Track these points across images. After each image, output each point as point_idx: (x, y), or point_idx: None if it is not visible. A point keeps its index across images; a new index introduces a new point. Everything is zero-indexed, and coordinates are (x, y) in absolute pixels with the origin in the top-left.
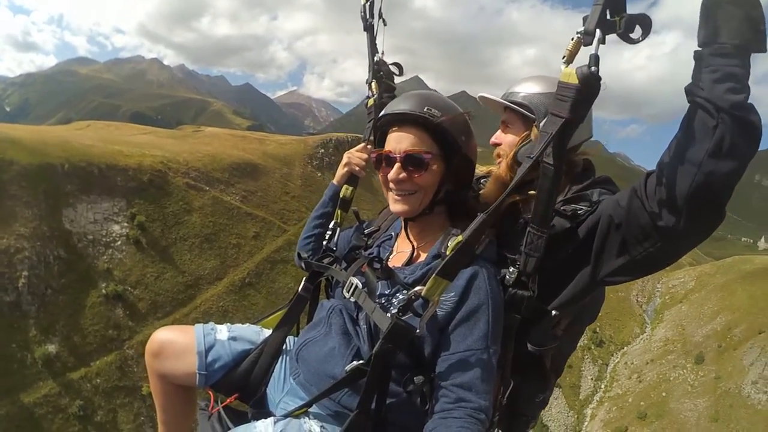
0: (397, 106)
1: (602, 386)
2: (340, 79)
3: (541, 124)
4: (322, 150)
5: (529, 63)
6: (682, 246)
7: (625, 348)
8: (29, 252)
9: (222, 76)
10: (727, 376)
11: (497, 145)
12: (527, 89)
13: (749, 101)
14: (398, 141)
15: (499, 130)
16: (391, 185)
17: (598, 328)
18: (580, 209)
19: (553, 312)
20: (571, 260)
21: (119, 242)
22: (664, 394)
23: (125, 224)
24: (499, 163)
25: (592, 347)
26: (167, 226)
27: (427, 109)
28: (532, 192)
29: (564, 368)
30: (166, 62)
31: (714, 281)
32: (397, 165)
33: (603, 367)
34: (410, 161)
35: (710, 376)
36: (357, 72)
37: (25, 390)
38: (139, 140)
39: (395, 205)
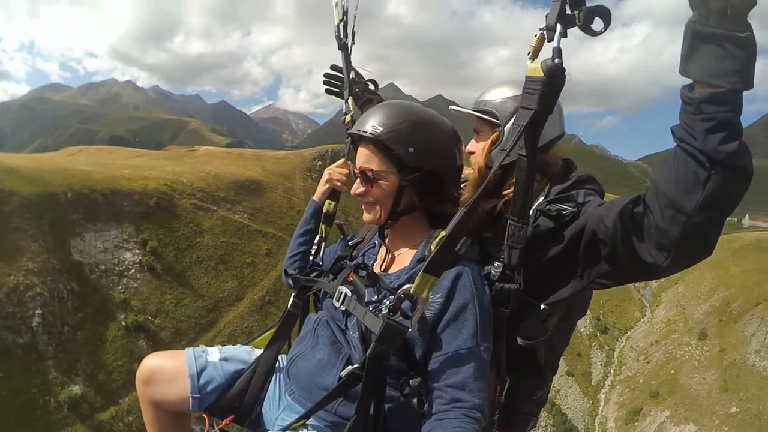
0: (356, 124)
1: (612, 371)
2: (315, 90)
3: (510, 122)
4: (320, 162)
5: (503, 63)
6: (665, 274)
7: (629, 332)
8: (41, 288)
9: (197, 94)
10: (731, 348)
11: (471, 153)
12: (493, 96)
13: (742, 142)
14: (358, 158)
15: (472, 139)
16: (358, 198)
17: (601, 316)
18: (565, 209)
19: (542, 306)
20: (558, 260)
21: (133, 270)
22: (672, 371)
23: (137, 251)
24: (473, 169)
25: (598, 334)
26: (180, 250)
27: (372, 126)
28: (508, 192)
29: (559, 364)
30: (139, 84)
31: (706, 261)
32: (357, 181)
33: (610, 353)
34: (363, 177)
35: (715, 350)
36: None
37: None
38: (135, 163)
39: (364, 215)
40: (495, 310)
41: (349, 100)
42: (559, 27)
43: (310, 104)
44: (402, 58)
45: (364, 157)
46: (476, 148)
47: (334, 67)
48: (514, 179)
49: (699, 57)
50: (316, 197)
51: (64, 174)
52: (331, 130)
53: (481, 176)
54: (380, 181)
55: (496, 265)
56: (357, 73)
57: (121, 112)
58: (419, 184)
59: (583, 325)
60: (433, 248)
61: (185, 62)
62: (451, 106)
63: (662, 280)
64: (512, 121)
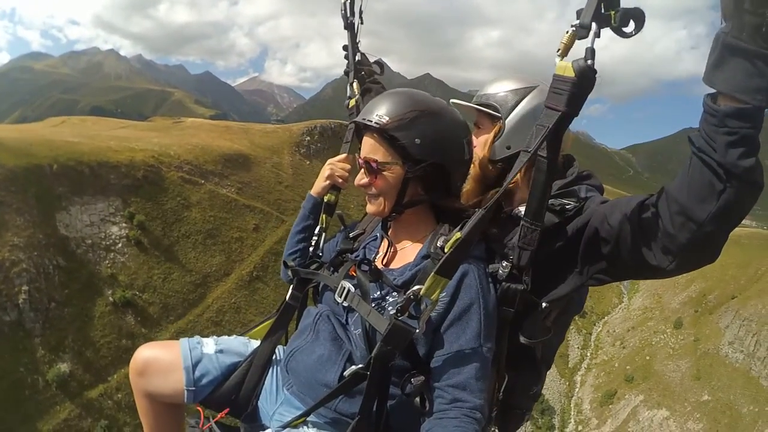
0: (361, 113)
1: (588, 354)
2: (302, 64)
3: (511, 115)
4: (308, 138)
5: (492, 45)
6: (665, 275)
7: (606, 318)
8: (26, 264)
9: (181, 65)
10: (705, 338)
11: (473, 146)
12: (495, 89)
13: (757, 158)
14: (363, 147)
15: (472, 133)
16: (361, 189)
17: None
18: (569, 204)
19: (544, 304)
20: (558, 255)
21: (120, 244)
22: (647, 357)
23: (124, 225)
24: (474, 163)
25: (576, 318)
26: (167, 224)
27: (378, 115)
28: (512, 186)
29: (554, 359)
30: (122, 53)
31: None
32: (361, 171)
33: (587, 337)
34: (367, 168)
35: (689, 339)
36: (320, 56)
37: (41, 417)
38: (120, 134)
39: (367, 207)
40: (499, 309)
41: (354, 84)
42: (594, 26)
43: (297, 78)
44: (391, 34)
45: (368, 146)
46: (477, 142)
47: (345, 48)
48: (518, 174)
49: (727, 69)
50: (314, 192)
51: (49, 145)
52: (317, 105)
53: (482, 170)
54: (385, 172)
55: (504, 264)
56: (362, 55)
57: (103, 82)
58: (425, 177)
59: None
60: (447, 248)
61: (170, 31)
62: (452, 100)
63: None
64: (515, 114)
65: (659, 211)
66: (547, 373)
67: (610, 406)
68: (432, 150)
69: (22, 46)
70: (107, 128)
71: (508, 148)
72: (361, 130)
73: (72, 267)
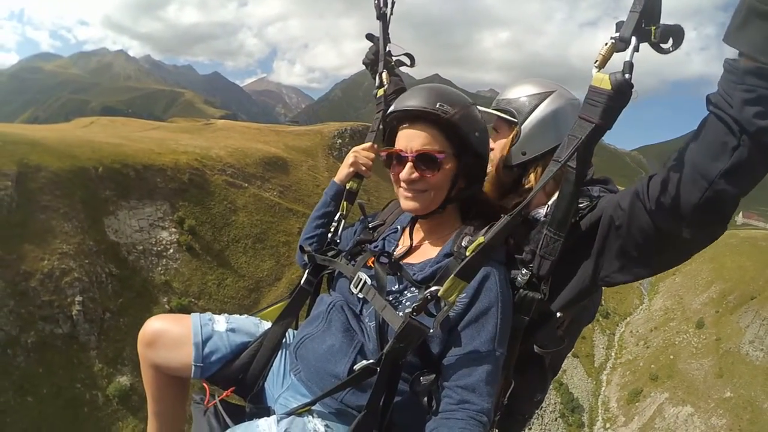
0: (408, 101)
1: (612, 354)
2: (311, 64)
3: (528, 119)
4: (339, 140)
5: (501, 46)
6: (682, 252)
7: (628, 318)
8: (78, 273)
9: (189, 65)
10: (726, 337)
11: (491, 150)
12: (513, 94)
13: None
14: (410, 139)
15: (490, 137)
16: (402, 183)
17: (603, 301)
18: (581, 203)
19: (558, 314)
20: (571, 256)
21: (171, 250)
22: (671, 356)
23: (173, 229)
24: (491, 167)
25: (600, 319)
26: (216, 228)
27: (440, 105)
28: (528, 188)
29: (560, 368)
30: (131, 53)
31: (703, 254)
32: (408, 165)
33: (611, 337)
34: (422, 161)
35: (711, 339)
36: (329, 57)
37: None
38: (155, 136)
39: (406, 203)
40: (515, 316)
41: (384, 74)
42: (634, 40)
43: (305, 78)
44: (400, 34)
45: (422, 138)
46: (495, 146)
47: (369, 37)
48: (532, 177)
49: (751, 32)
50: (337, 179)
51: (91, 147)
52: (325, 105)
53: (498, 174)
54: (445, 166)
55: (523, 272)
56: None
57: (112, 82)
58: (470, 171)
59: None
60: (469, 251)
61: (178, 32)
62: None
63: None
64: (531, 120)
65: (671, 175)
66: (575, 372)
67: (637, 404)
68: (484, 144)
69: (32, 47)
70: (139, 129)
71: (524, 153)
72: (402, 120)
73: (125, 275)
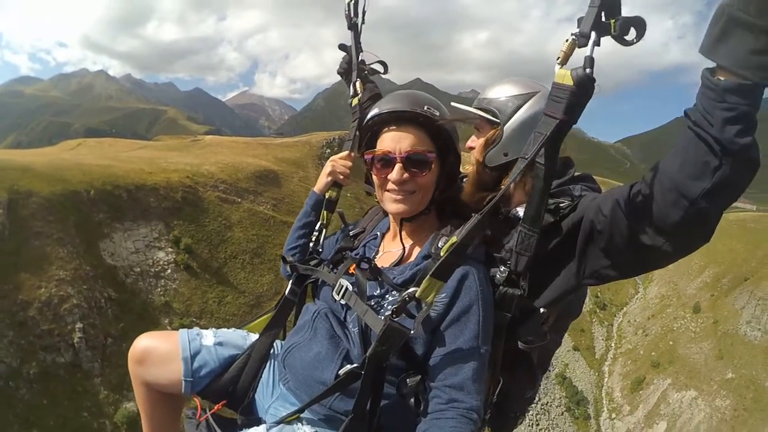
0: (392, 104)
1: (612, 344)
2: (292, 75)
3: (510, 120)
4: (328, 150)
5: (480, 46)
6: (663, 261)
7: (625, 308)
8: (77, 299)
9: (170, 82)
10: (723, 320)
11: (472, 148)
12: (494, 94)
13: (754, 136)
14: (397, 141)
15: (473, 135)
16: (391, 186)
17: (599, 293)
18: (563, 203)
19: (541, 309)
20: (554, 255)
21: (169, 270)
22: (671, 342)
23: (170, 249)
24: (472, 166)
25: (597, 311)
26: (213, 246)
27: (427, 108)
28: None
29: (550, 364)
30: (111, 73)
31: None
32: (398, 165)
33: (609, 328)
34: (412, 161)
35: (709, 322)
36: (309, 67)
37: None
38: (144, 155)
39: (395, 205)
40: (496, 313)
41: (358, 83)
42: (593, 35)
43: (287, 89)
44: (379, 38)
45: (411, 139)
46: (476, 145)
47: (342, 47)
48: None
49: (730, 43)
50: (317, 189)
51: (81, 170)
52: (309, 115)
53: (477, 173)
54: (433, 166)
55: (501, 269)
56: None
57: (94, 103)
58: (451, 171)
59: (585, 303)
60: (443, 251)
61: (158, 49)
62: (452, 103)
63: None
64: (513, 121)
65: (652, 191)
66: (578, 366)
67: (640, 392)
68: (453, 144)
69: (11, 71)
70: (126, 149)
71: (506, 155)
72: (388, 123)
73: (124, 298)
